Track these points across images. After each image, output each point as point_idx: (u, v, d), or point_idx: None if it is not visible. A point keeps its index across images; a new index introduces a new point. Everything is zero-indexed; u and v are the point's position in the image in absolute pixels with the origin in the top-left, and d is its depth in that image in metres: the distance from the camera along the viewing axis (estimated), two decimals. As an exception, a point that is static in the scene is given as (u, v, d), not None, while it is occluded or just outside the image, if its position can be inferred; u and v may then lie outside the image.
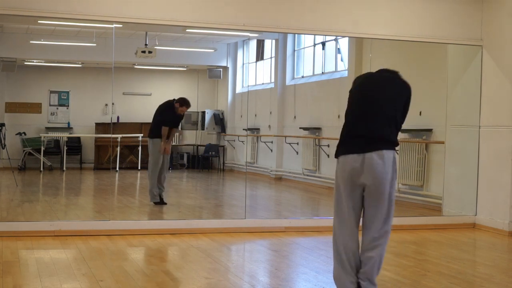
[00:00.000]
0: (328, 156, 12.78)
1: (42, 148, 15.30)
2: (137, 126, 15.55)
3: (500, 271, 6.25)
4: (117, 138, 14.62)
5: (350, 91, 4.74)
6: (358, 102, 4.66)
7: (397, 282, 5.53)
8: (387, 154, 4.51)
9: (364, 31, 8.40)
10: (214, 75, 16.22)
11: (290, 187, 13.80)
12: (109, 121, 15.38)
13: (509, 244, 7.76)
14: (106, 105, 16.20)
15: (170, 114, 9.93)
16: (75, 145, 16.10)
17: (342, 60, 12.73)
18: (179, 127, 10.34)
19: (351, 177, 4.53)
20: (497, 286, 5.61)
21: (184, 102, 9.91)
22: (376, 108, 4.58)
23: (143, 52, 12.28)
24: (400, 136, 4.81)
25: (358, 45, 11.56)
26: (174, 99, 9.99)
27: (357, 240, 4.65)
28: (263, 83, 15.84)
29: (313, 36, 13.05)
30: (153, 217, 9.16)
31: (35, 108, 16.30)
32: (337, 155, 4.64)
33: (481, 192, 8.73)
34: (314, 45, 13.73)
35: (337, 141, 4.70)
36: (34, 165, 15.29)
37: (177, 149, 15.93)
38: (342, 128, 4.68)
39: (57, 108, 16.44)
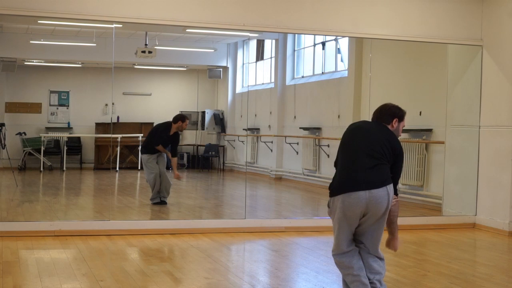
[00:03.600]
0: (328, 156, 12.77)
1: (42, 148, 15.29)
2: (137, 126, 15.55)
3: (500, 271, 6.25)
4: (117, 138, 14.62)
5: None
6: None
7: (397, 282, 5.53)
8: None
9: (364, 31, 8.40)
10: (214, 75, 16.21)
11: (290, 187, 13.79)
12: (109, 121, 15.38)
13: (509, 244, 7.76)
14: (106, 105, 16.20)
15: (164, 135, 9.82)
16: (75, 145, 16.09)
17: (342, 60, 12.72)
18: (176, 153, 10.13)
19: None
20: (497, 286, 5.61)
21: (181, 118, 9.81)
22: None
23: (143, 52, 12.28)
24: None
25: (358, 45, 11.55)
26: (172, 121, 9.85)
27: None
28: (263, 83, 15.83)
29: (313, 36, 13.05)
30: (153, 217, 9.16)
31: (35, 108, 16.28)
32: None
33: (481, 192, 8.73)
34: (314, 45, 13.72)
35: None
36: (34, 165, 15.28)
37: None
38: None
39: (57, 108, 16.43)
